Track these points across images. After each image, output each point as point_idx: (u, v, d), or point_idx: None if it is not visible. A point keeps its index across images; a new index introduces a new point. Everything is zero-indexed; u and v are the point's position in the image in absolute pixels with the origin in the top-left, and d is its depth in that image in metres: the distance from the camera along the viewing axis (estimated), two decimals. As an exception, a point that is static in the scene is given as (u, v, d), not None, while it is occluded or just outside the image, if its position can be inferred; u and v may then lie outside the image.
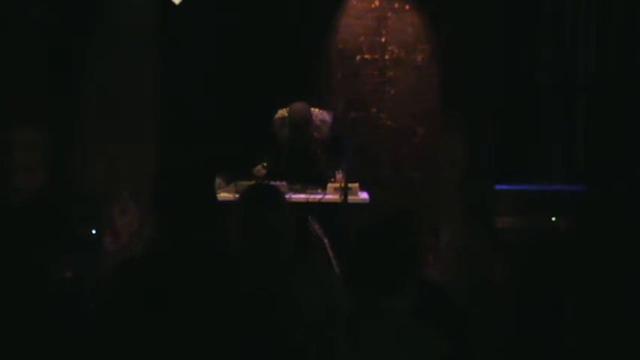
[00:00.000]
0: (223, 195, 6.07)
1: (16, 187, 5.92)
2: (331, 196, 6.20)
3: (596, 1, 7.04)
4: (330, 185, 6.24)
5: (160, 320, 2.55)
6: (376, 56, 7.27)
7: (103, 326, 2.61)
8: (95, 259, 5.82)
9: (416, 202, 7.13)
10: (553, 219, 6.58)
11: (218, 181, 6.21)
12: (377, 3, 7.23)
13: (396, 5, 7.23)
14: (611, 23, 6.99)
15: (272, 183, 5.76)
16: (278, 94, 6.67)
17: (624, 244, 6.05)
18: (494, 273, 6.38)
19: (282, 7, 7.09)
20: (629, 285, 5.73)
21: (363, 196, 6.34)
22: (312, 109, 6.41)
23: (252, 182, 5.82)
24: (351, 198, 6.14)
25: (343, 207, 6.09)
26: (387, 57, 7.25)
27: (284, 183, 6.12)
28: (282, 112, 6.49)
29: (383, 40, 7.25)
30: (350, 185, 6.14)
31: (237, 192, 5.85)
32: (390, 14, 7.24)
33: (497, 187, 6.68)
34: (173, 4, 6.29)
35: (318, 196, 6.22)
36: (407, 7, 7.21)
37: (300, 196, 6.20)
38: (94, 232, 5.98)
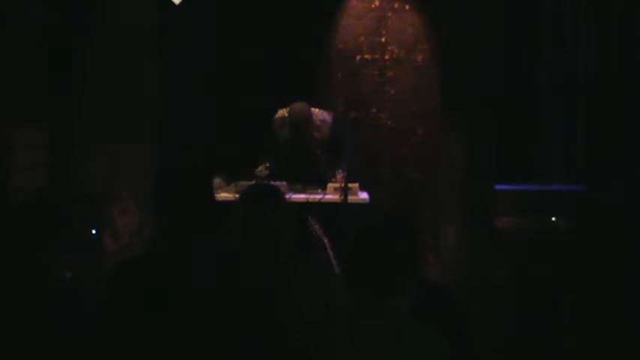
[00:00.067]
0: (223, 195, 6.07)
1: (16, 187, 5.92)
2: (331, 196, 6.20)
3: (596, 1, 7.04)
4: (330, 185, 6.24)
5: (160, 320, 2.55)
6: (376, 56, 7.27)
7: (103, 326, 2.60)
8: (95, 259, 5.82)
9: (416, 202, 7.13)
10: (553, 219, 6.58)
11: (218, 181, 6.21)
12: (377, 3, 7.23)
13: (396, 5, 7.23)
14: (611, 23, 6.99)
15: (272, 183, 5.76)
16: (278, 94, 6.67)
17: (624, 244, 6.05)
18: (494, 273, 6.38)
19: (282, 7, 7.09)
20: (629, 285, 5.72)
21: (363, 196, 6.34)
22: (312, 109, 6.41)
23: (252, 182, 5.82)
24: (351, 198, 6.13)
25: (343, 207, 6.09)
26: (387, 57, 7.25)
27: (284, 183, 6.12)
28: (282, 112, 6.49)
29: (383, 40, 7.25)
30: (350, 185, 6.14)
31: (237, 192, 5.85)
32: (390, 14, 7.24)
33: (497, 187, 6.68)
34: (173, 4, 6.28)
35: (318, 196, 6.22)
36: (407, 7, 7.21)
37: (300, 196, 6.20)
38: (94, 232, 5.98)
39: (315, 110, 6.44)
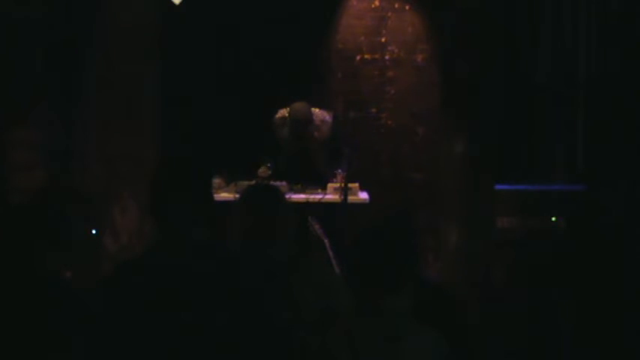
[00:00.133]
0: (223, 195, 6.08)
1: (16, 187, 5.91)
2: (331, 196, 6.20)
3: (596, 1, 7.04)
4: (330, 185, 6.24)
5: (160, 320, 2.55)
6: (376, 56, 7.27)
7: (103, 326, 2.60)
8: (95, 259, 5.82)
9: (416, 202, 7.13)
10: (553, 219, 6.58)
11: (218, 181, 6.22)
12: (377, 3, 7.23)
13: (396, 5, 7.23)
14: (611, 23, 6.98)
15: (272, 183, 5.76)
16: (278, 94, 6.67)
17: (624, 245, 6.05)
18: (495, 273, 6.37)
19: (283, 6, 7.09)
20: (629, 285, 5.72)
21: (363, 196, 6.34)
22: (313, 109, 6.41)
23: (253, 182, 5.82)
24: (351, 198, 6.13)
25: (343, 207, 6.09)
26: (387, 57, 7.25)
27: (284, 183, 6.12)
28: (283, 112, 6.49)
29: (383, 40, 7.25)
30: (350, 185, 6.14)
31: (237, 192, 5.86)
32: (390, 14, 7.24)
33: (497, 187, 6.67)
34: (173, 4, 6.28)
35: (318, 196, 6.22)
36: (407, 7, 7.21)
37: (300, 196, 6.20)
38: (94, 232, 5.98)
39: (315, 110, 6.44)
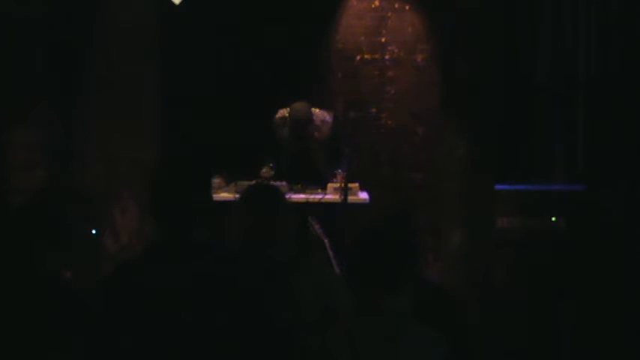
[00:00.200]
0: (223, 195, 6.08)
1: (16, 187, 5.92)
2: (331, 196, 6.20)
3: (596, 1, 7.03)
4: (330, 185, 6.24)
5: (160, 320, 2.55)
6: (376, 56, 7.27)
7: (103, 326, 2.60)
8: (95, 259, 5.83)
9: (416, 202, 7.12)
10: (553, 219, 6.58)
11: (218, 181, 6.22)
12: (377, 3, 7.23)
13: (396, 5, 7.23)
14: (611, 23, 6.98)
15: (272, 183, 5.76)
16: (278, 94, 6.67)
17: (624, 245, 6.05)
18: (495, 273, 6.38)
19: (282, 6, 7.09)
20: (629, 285, 5.72)
21: (363, 196, 6.34)
22: (313, 109, 6.41)
23: (253, 182, 5.82)
24: (351, 198, 6.13)
25: (343, 207, 6.09)
26: (387, 57, 7.25)
27: (284, 183, 6.12)
28: (283, 112, 6.49)
29: (383, 40, 7.25)
30: (350, 185, 6.14)
31: (237, 192, 5.86)
32: (390, 14, 7.24)
33: (497, 187, 6.67)
34: (173, 4, 6.28)
35: (318, 196, 6.22)
36: (407, 7, 7.21)
37: (300, 196, 6.20)
38: (94, 232, 5.98)
39: (315, 110, 6.44)
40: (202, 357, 2.56)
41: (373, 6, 7.23)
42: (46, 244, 2.99)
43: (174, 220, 2.64)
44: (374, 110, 7.28)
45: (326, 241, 6.27)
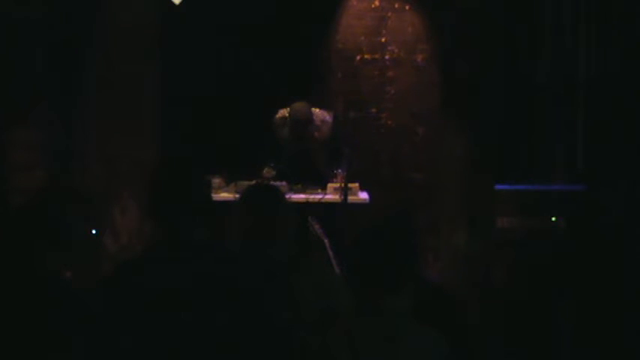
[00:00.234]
0: (223, 195, 6.08)
1: (16, 187, 5.91)
2: (331, 196, 6.20)
3: (596, 1, 7.04)
4: (330, 185, 6.24)
5: (160, 320, 2.55)
6: (376, 56, 7.27)
7: (103, 326, 2.60)
8: (95, 259, 5.82)
9: (416, 202, 7.12)
10: (553, 219, 6.58)
11: (218, 181, 6.22)
12: (377, 3, 7.23)
13: (396, 5, 7.23)
14: (611, 23, 6.98)
15: (272, 183, 5.76)
16: (278, 94, 6.67)
17: (624, 245, 6.05)
18: (495, 273, 6.38)
19: (282, 7, 7.08)
20: (629, 285, 5.72)
21: (363, 196, 6.34)
22: (313, 109, 6.41)
23: (253, 182, 5.82)
24: (351, 198, 6.13)
25: (343, 207, 6.09)
26: (387, 57, 7.25)
27: (284, 183, 6.12)
28: (283, 112, 6.49)
29: (383, 40, 7.25)
30: (350, 185, 6.14)
31: (237, 192, 5.86)
32: (390, 14, 7.24)
33: (498, 187, 6.67)
34: (173, 4, 6.28)
35: (318, 196, 6.22)
36: (407, 7, 7.21)
37: (300, 196, 6.20)
38: (94, 232, 5.98)
39: (315, 110, 6.44)
40: (202, 357, 2.56)
41: (373, 6, 7.23)
42: (46, 244, 2.99)
43: (174, 220, 2.64)
44: (374, 110, 7.28)
45: (326, 241, 6.27)
